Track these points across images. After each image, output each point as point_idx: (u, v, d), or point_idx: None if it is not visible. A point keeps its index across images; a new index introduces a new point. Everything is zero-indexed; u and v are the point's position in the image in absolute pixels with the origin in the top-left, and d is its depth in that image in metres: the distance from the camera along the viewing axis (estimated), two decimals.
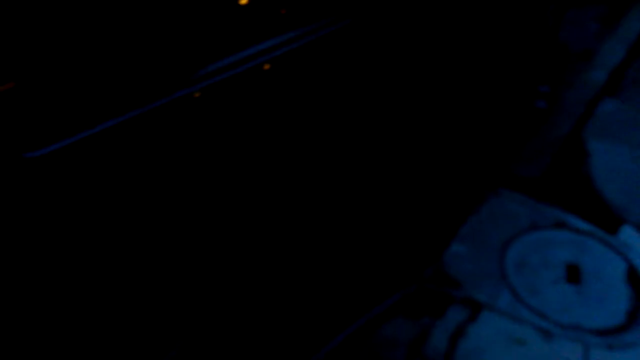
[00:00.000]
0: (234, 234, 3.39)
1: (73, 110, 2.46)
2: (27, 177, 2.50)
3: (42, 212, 2.60)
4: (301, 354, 3.67)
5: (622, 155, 5.25)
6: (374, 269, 4.18)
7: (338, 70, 3.52)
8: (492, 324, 3.77)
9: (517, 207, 4.57)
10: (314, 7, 3.22)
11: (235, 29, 3.01)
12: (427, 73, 4.02)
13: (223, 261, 3.37)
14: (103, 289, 2.93)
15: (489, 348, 3.68)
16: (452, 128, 4.80)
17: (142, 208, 2.86)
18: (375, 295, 3.99)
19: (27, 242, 2.56)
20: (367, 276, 4.12)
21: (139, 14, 2.60)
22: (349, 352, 3.71)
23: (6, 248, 2.46)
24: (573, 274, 4.11)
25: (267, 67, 3.00)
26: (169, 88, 2.62)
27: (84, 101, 2.49)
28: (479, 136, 5.58)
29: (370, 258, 4.25)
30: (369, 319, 3.88)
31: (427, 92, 4.15)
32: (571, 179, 5.07)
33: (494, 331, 3.74)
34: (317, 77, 3.41)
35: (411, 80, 3.91)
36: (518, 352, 3.67)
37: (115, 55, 2.48)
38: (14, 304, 2.50)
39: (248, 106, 3.17)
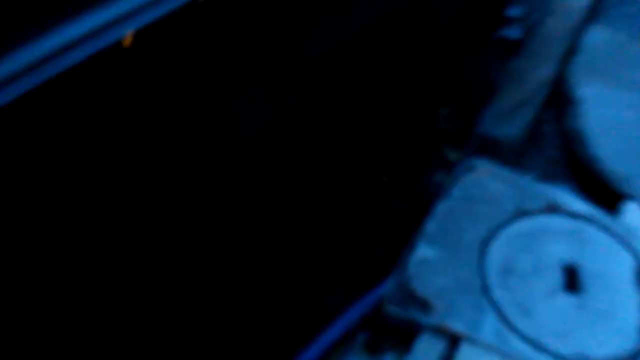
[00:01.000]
0: None
1: None
2: None
3: None
4: None
5: (618, 102, 4.28)
6: (309, 287, 3.19)
7: None
8: None
9: (497, 185, 3.60)
10: None
11: None
12: None
13: None
14: None
15: None
16: (398, 62, 3.67)
17: None
18: (316, 327, 3.03)
19: None
20: (302, 297, 3.14)
21: None
22: None
23: None
24: (572, 280, 3.21)
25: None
26: None
27: None
28: (436, 78, 4.50)
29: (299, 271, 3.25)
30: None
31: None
32: (558, 139, 4.10)
33: None
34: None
35: None
36: None
37: None
38: None
39: None
